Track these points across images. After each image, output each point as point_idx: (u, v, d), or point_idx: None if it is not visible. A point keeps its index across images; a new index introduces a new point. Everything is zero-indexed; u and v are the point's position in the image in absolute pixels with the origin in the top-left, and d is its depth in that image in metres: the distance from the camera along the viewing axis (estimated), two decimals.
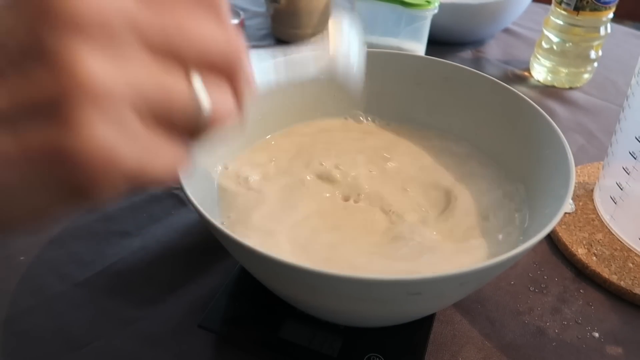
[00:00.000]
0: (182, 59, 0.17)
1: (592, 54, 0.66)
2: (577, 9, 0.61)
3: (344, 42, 0.31)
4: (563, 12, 0.63)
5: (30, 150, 0.15)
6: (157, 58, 0.16)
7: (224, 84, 0.19)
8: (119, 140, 0.15)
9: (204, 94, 0.18)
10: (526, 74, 0.72)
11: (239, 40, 0.19)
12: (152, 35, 0.16)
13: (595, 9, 0.61)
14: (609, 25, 0.64)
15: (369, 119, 0.48)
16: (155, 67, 0.16)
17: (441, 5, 0.65)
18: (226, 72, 0.19)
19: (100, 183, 0.15)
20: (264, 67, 0.26)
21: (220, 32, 0.18)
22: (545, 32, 0.67)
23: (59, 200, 0.16)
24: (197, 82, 0.17)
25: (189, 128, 0.18)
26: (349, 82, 0.31)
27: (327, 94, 0.47)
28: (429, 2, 0.61)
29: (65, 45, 0.14)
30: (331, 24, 0.31)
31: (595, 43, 0.65)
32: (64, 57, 0.14)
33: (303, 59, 0.29)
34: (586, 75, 0.68)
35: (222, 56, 0.18)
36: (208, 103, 0.18)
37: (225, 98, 0.19)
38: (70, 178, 0.15)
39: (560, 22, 0.64)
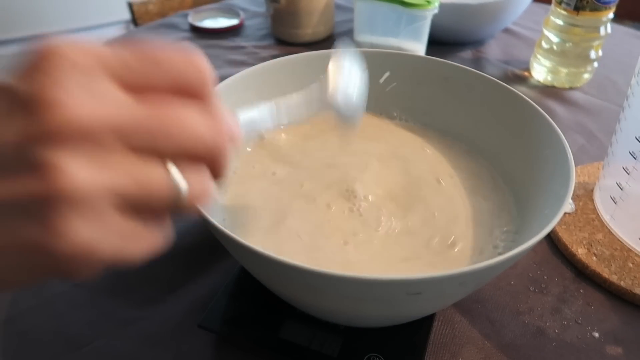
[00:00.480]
0: (164, 154, 0.18)
1: (592, 54, 0.66)
2: (577, 9, 0.61)
3: (343, 84, 0.31)
4: (563, 12, 0.63)
5: (14, 241, 0.17)
6: (139, 155, 0.18)
7: (203, 168, 0.20)
8: (97, 234, 0.17)
9: (182, 181, 0.19)
10: (526, 74, 0.72)
11: (224, 134, 0.20)
12: (136, 138, 0.17)
13: (595, 9, 0.61)
14: (609, 25, 0.64)
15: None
16: (135, 164, 0.17)
17: (441, 5, 0.65)
18: (206, 161, 0.20)
19: (79, 270, 0.17)
20: (263, 113, 0.27)
21: (207, 127, 0.19)
22: (545, 32, 0.67)
23: (42, 277, 0.18)
24: (175, 171, 0.19)
25: (167, 210, 0.19)
26: (348, 120, 0.32)
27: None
28: (429, 2, 0.61)
29: (51, 154, 0.16)
30: (331, 65, 0.31)
31: (595, 43, 0.65)
32: (49, 165, 0.16)
33: (302, 101, 0.29)
34: (586, 75, 0.68)
35: (205, 151, 0.19)
36: (185, 189, 0.19)
37: (203, 181, 0.20)
38: (51, 265, 0.17)
39: (560, 22, 0.64)
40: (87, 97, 0.16)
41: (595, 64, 0.68)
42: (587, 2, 0.60)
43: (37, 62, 0.16)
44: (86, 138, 0.16)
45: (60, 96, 0.16)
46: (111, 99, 0.17)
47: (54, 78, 0.16)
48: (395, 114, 0.48)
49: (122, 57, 0.17)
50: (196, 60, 0.19)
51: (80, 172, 0.16)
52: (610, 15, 0.62)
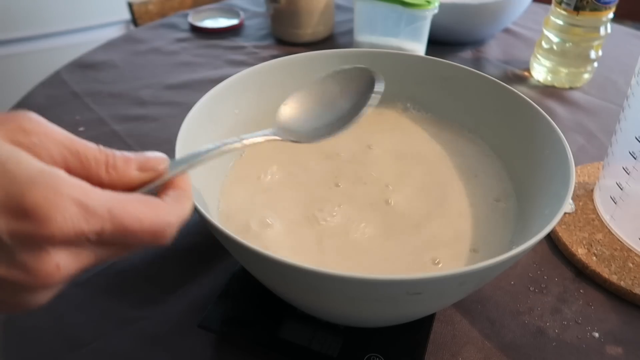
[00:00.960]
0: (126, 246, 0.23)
1: (592, 54, 0.66)
2: (577, 8, 0.61)
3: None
4: (563, 12, 0.63)
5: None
6: (105, 246, 0.22)
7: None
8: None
9: None
10: (526, 74, 0.72)
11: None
12: (105, 239, 0.21)
13: (595, 9, 0.61)
14: (609, 25, 0.64)
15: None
16: (102, 251, 0.22)
17: (441, 5, 0.65)
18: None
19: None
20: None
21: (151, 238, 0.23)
22: (545, 32, 0.67)
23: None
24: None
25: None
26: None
27: None
28: (429, 2, 0.61)
29: (39, 254, 0.20)
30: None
31: (595, 43, 0.65)
32: (36, 263, 0.20)
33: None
34: (586, 75, 0.68)
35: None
36: None
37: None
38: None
39: (560, 22, 0.64)
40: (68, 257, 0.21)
41: (595, 64, 0.68)
42: (587, 2, 0.60)
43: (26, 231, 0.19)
44: (68, 241, 0.20)
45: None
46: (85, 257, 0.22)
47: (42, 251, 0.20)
48: (396, 113, 0.48)
49: (98, 229, 0.21)
50: (163, 233, 0.23)
51: (59, 259, 0.20)
52: (611, 15, 0.62)
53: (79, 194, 0.20)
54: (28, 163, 0.20)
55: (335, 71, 0.34)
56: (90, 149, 0.22)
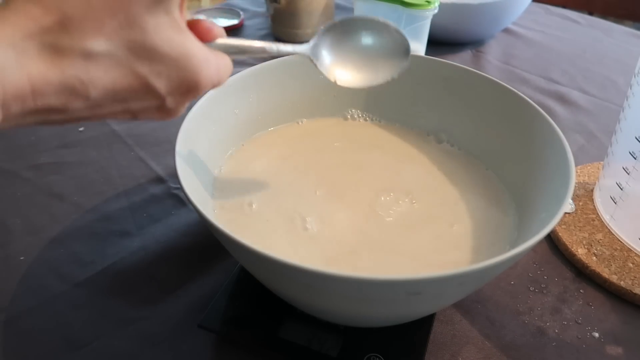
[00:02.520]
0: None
1: None
2: None
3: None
4: None
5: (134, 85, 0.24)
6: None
7: None
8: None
9: None
10: (526, 73, 0.72)
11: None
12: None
13: None
14: None
15: (367, 118, 0.49)
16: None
17: (441, 5, 0.65)
18: None
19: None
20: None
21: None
22: None
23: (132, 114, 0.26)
24: None
25: None
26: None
27: (326, 93, 0.47)
28: (429, 2, 0.61)
29: (183, 105, 0.26)
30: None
31: None
32: (180, 109, 0.26)
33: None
34: None
35: None
36: None
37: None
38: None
39: None
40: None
41: None
42: None
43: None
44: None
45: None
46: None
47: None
48: (394, 114, 0.48)
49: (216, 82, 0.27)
50: None
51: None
52: None
53: (212, 64, 0.25)
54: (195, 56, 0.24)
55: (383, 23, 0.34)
56: None
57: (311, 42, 0.32)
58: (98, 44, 0.21)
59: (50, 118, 0.22)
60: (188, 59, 0.23)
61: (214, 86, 0.26)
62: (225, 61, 0.27)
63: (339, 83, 0.33)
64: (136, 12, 0.21)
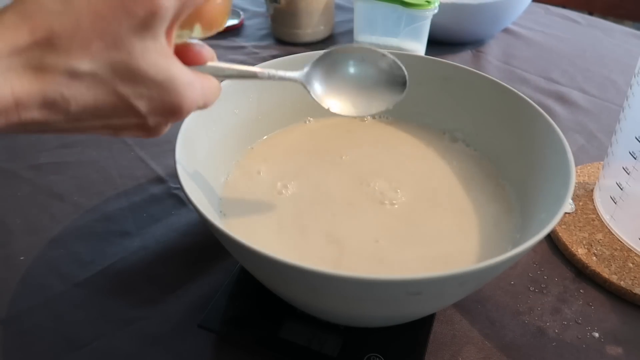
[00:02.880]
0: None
1: None
2: None
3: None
4: None
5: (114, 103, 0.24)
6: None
7: None
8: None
9: None
10: (526, 73, 0.72)
11: None
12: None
13: None
14: None
15: (368, 117, 0.49)
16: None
17: (441, 5, 0.65)
18: None
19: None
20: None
21: None
22: None
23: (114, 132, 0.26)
24: None
25: None
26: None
27: None
28: (429, 2, 0.61)
29: (165, 126, 0.26)
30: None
31: None
32: (161, 131, 0.26)
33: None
34: None
35: None
36: None
37: None
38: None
39: None
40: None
41: None
42: None
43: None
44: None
45: None
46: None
47: None
48: (394, 114, 0.48)
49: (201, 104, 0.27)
50: None
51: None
52: None
53: (197, 87, 0.25)
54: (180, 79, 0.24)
55: (380, 53, 0.33)
56: None
57: (305, 69, 0.32)
58: (83, 63, 0.21)
59: (30, 129, 0.23)
60: (171, 83, 0.24)
61: (200, 108, 0.26)
62: (211, 83, 0.27)
63: (332, 111, 0.33)
64: (124, 35, 0.21)
